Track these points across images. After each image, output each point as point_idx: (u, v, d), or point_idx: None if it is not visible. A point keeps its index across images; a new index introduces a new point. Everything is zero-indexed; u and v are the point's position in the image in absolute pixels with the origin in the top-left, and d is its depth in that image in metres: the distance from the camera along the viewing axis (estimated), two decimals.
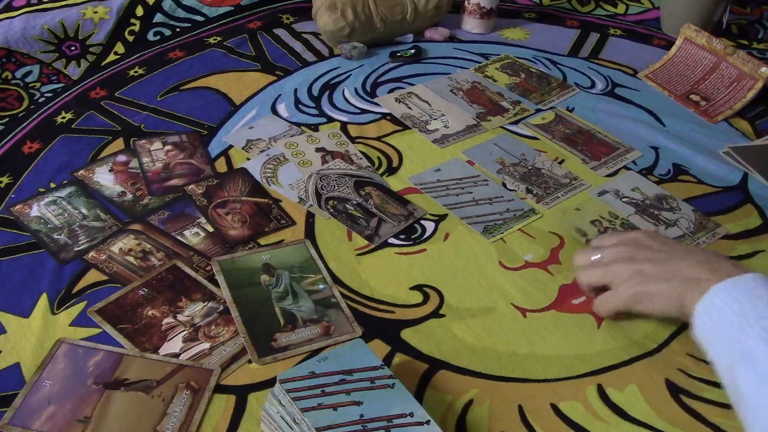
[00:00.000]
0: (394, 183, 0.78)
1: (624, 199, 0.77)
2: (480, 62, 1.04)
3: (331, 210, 0.73)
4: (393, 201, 0.74)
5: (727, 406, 0.53)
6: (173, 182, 0.76)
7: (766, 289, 0.49)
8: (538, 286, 0.66)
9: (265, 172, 0.78)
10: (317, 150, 0.82)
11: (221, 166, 0.79)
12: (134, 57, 0.99)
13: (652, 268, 0.57)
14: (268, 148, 0.82)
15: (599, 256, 0.62)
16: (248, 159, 0.80)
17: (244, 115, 0.88)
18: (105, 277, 0.64)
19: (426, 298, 0.64)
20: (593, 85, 1.00)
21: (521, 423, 0.54)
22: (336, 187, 0.75)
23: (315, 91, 0.94)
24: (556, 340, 0.61)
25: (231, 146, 0.82)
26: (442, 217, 0.73)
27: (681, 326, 0.63)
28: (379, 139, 0.85)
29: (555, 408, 0.55)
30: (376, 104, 0.92)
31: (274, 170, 0.78)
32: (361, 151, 0.82)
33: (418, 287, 0.65)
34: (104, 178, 0.76)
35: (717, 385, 0.56)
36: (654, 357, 0.60)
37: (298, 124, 0.87)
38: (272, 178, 0.77)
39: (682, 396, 0.56)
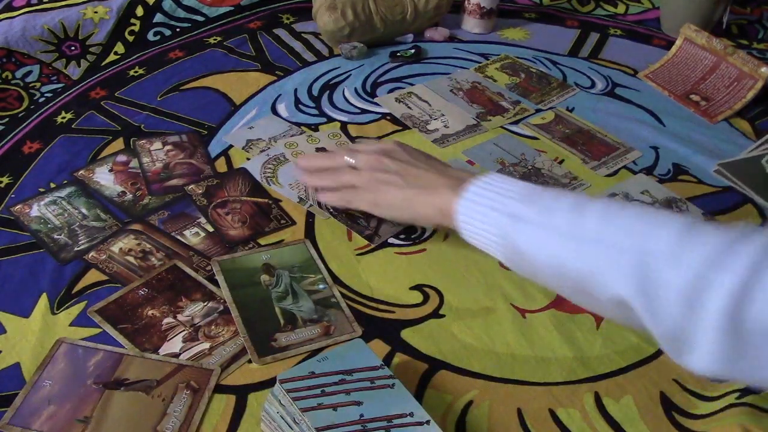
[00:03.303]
0: None
1: (633, 202, 0.77)
2: (480, 62, 1.04)
3: (331, 210, 0.73)
4: None
5: (715, 417, 0.54)
6: (173, 182, 0.76)
7: (503, 178, 0.57)
8: (537, 287, 0.66)
9: (265, 172, 0.78)
10: (317, 150, 0.82)
11: (221, 166, 0.79)
12: (134, 57, 0.99)
13: (396, 180, 0.63)
14: (268, 147, 0.82)
15: (353, 161, 0.67)
16: (248, 159, 0.80)
17: (244, 115, 0.88)
18: (105, 277, 0.64)
19: (426, 298, 0.64)
20: (593, 85, 1.00)
21: (520, 427, 0.54)
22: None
23: (315, 91, 0.94)
24: (556, 341, 0.61)
25: (231, 146, 0.82)
26: None
27: None
28: (379, 139, 0.85)
29: (553, 414, 0.55)
30: (376, 104, 0.92)
31: (274, 170, 0.78)
32: None
33: (418, 287, 0.66)
34: (104, 178, 0.76)
35: (708, 399, 0.57)
36: (651, 365, 0.60)
37: (299, 124, 0.87)
38: (272, 178, 0.77)
39: (675, 414, 0.56)
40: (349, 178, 0.67)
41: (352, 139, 0.85)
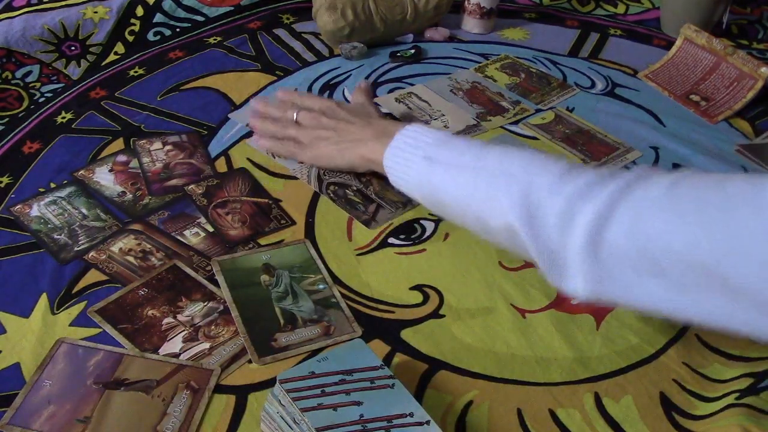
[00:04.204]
0: None
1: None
2: (480, 62, 1.04)
3: (331, 195, 0.75)
4: (393, 188, 0.74)
5: (715, 417, 0.54)
6: (173, 182, 0.76)
7: (422, 128, 0.64)
8: (537, 286, 0.66)
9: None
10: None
11: (221, 166, 0.79)
12: (134, 57, 0.99)
13: (331, 135, 0.74)
14: None
15: (296, 115, 0.77)
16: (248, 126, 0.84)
17: None
18: (105, 277, 0.64)
19: (426, 298, 0.64)
20: (593, 85, 1.00)
21: (520, 427, 0.54)
22: (338, 173, 0.77)
23: (315, 91, 0.94)
24: (556, 341, 0.61)
25: (231, 146, 0.82)
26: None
27: (679, 332, 0.63)
28: None
29: (553, 414, 0.55)
30: (376, 104, 0.92)
31: None
32: None
33: (418, 287, 0.66)
34: (104, 178, 0.76)
35: (708, 399, 0.57)
36: (650, 365, 0.60)
37: None
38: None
39: (675, 414, 0.56)
40: (293, 132, 0.77)
41: None
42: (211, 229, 0.70)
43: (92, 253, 0.66)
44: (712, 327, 0.46)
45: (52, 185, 0.74)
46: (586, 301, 0.50)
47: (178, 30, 1.05)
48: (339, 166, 0.75)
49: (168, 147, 0.81)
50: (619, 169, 0.50)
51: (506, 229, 0.53)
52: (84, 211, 0.71)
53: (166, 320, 0.60)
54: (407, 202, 0.74)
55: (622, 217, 0.46)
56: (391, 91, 0.95)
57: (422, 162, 0.61)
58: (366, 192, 0.75)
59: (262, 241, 0.69)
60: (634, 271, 0.46)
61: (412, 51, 1.03)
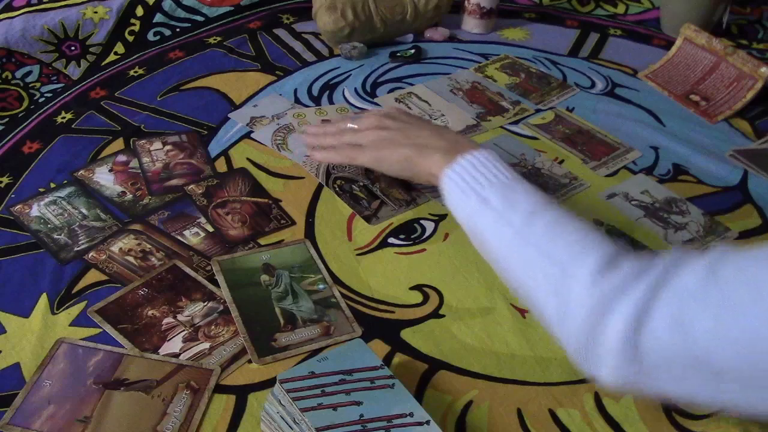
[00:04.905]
0: None
1: (633, 202, 0.77)
2: (480, 62, 1.04)
3: (337, 189, 0.75)
4: (399, 187, 0.76)
5: (715, 417, 0.54)
6: (173, 182, 0.76)
7: (489, 159, 0.60)
8: None
9: (276, 140, 0.82)
10: (323, 122, 0.84)
11: (221, 166, 0.79)
12: (134, 57, 0.99)
13: (398, 138, 0.68)
14: (277, 121, 0.86)
15: (356, 126, 0.72)
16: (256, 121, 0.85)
17: None
18: (105, 277, 0.64)
19: (426, 298, 0.64)
20: (593, 85, 1.00)
21: (520, 427, 0.54)
22: (347, 168, 0.78)
23: (315, 91, 0.94)
24: (556, 341, 0.61)
25: (231, 146, 0.82)
26: (442, 217, 0.73)
27: None
28: None
29: (553, 414, 0.55)
30: (376, 104, 0.92)
31: (284, 138, 0.83)
32: None
33: (418, 287, 0.66)
34: (104, 178, 0.76)
35: None
36: None
37: (304, 105, 0.90)
38: (282, 145, 0.81)
39: (675, 414, 0.56)
40: (352, 136, 0.72)
41: None
42: (211, 229, 0.70)
43: (92, 253, 0.66)
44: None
45: (52, 185, 0.74)
46: (617, 390, 0.49)
47: (178, 30, 1.05)
48: (402, 174, 0.69)
49: (168, 147, 0.81)
50: (652, 258, 0.47)
51: (538, 310, 0.52)
52: (84, 211, 0.71)
53: (166, 320, 0.60)
54: (411, 201, 0.74)
55: (661, 313, 0.43)
56: (391, 91, 0.95)
57: (475, 200, 0.57)
58: (372, 189, 0.76)
59: (262, 241, 0.69)
60: (681, 367, 0.43)
61: (412, 51, 1.03)
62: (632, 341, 0.44)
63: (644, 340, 0.44)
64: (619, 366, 0.45)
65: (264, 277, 0.64)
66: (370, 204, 0.74)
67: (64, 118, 0.86)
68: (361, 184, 0.76)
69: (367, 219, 0.72)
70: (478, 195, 0.58)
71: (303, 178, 0.78)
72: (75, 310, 0.60)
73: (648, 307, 0.44)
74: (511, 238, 0.54)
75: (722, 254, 0.44)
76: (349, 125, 0.73)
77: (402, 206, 0.74)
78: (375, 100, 0.93)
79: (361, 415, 0.47)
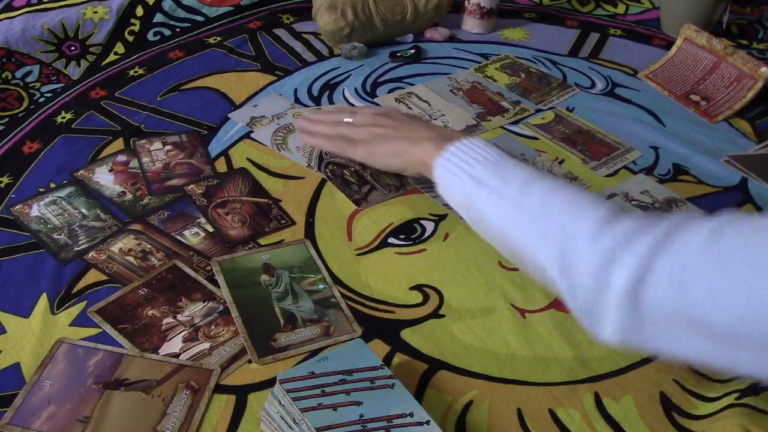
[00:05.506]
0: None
1: (633, 202, 0.77)
2: (480, 62, 1.04)
3: (329, 174, 0.77)
4: (389, 173, 0.77)
5: (715, 417, 0.54)
6: (173, 182, 0.76)
7: (480, 143, 0.62)
8: (537, 286, 0.66)
9: (275, 139, 0.83)
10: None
11: (221, 166, 0.79)
12: (134, 57, 0.99)
13: (390, 133, 0.70)
14: (277, 121, 0.86)
15: (351, 120, 0.75)
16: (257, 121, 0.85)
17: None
18: (105, 277, 0.64)
19: (426, 298, 0.64)
20: (593, 85, 1.00)
21: (520, 427, 0.54)
22: (339, 156, 0.79)
23: (315, 91, 0.94)
24: (555, 341, 0.61)
25: (231, 146, 0.82)
26: (442, 217, 0.73)
27: None
28: None
29: (553, 414, 0.55)
30: (376, 104, 0.92)
31: (284, 138, 0.83)
32: None
33: (418, 287, 0.66)
34: (104, 178, 0.76)
35: (708, 399, 0.57)
36: (651, 365, 0.60)
37: (304, 105, 0.90)
38: (282, 144, 0.82)
39: (675, 414, 0.56)
40: (345, 129, 0.75)
41: None
42: (211, 229, 0.70)
43: (92, 253, 0.66)
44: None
45: (52, 185, 0.74)
46: (616, 347, 0.49)
47: (178, 30, 1.05)
48: (390, 166, 0.72)
49: (168, 147, 0.81)
50: (658, 217, 0.48)
51: (542, 272, 0.53)
52: (84, 211, 0.71)
53: (166, 320, 0.60)
54: (400, 186, 0.76)
55: (662, 271, 0.44)
56: (391, 91, 0.95)
57: (469, 180, 0.59)
58: (362, 173, 0.77)
59: (262, 241, 0.69)
60: (679, 327, 0.43)
61: (412, 51, 1.03)
62: (633, 296, 0.44)
63: (645, 296, 0.44)
64: (621, 320, 0.46)
65: (264, 277, 0.64)
66: (361, 188, 0.75)
67: (64, 118, 0.86)
68: (352, 169, 0.78)
69: (357, 203, 0.74)
70: (470, 175, 0.59)
71: (303, 178, 0.78)
72: (75, 310, 0.61)
73: (650, 263, 0.44)
74: (509, 210, 0.55)
75: (729, 219, 0.44)
76: (346, 119, 0.76)
77: (392, 191, 0.75)
78: (375, 100, 0.93)
79: (361, 415, 0.47)
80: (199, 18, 1.08)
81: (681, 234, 0.44)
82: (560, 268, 0.50)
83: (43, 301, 0.61)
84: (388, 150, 0.70)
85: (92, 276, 0.64)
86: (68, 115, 0.86)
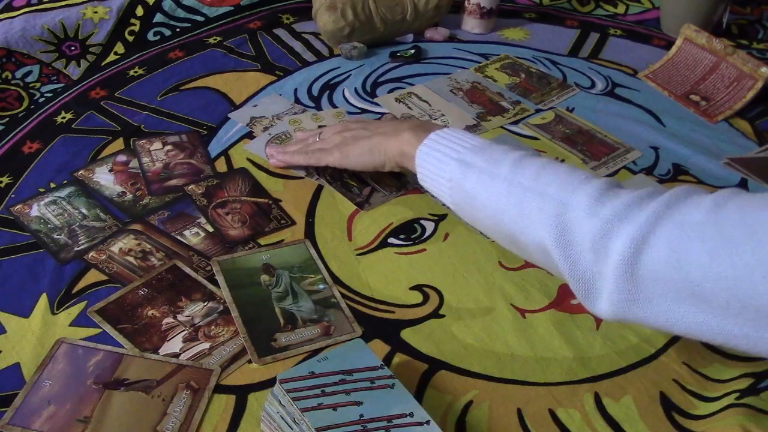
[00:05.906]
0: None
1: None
2: (480, 62, 1.04)
3: (328, 178, 0.76)
4: (389, 174, 0.77)
5: (715, 417, 0.54)
6: (173, 182, 0.76)
7: (460, 132, 0.62)
8: (537, 287, 0.66)
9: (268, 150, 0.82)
10: (320, 128, 0.83)
11: (221, 166, 0.79)
12: (134, 57, 0.99)
13: (362, 132, 0.71)
14: (272, 125, 0.85)
15: (318, 138, 0.75)
16: (253, 136, 0.84)
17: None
18: (105, 277, 0.64)
19: (426, 298, 0.64)
20: (593, 85, 1.00)
21: (520, 427, 0.54)
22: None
23: (315, 91, 0.94)
24: (555, 341, 0.61)
25: (231, 146, 0.82)
26: (442, 217, 0.73)
27: None
28: None
29: (553, 414, 0.55)
30: (376, 104, 0.92)
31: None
32: None
33: (418, 287, 0.66)
34: (104, 178, 0.76)
35: (708, 399, 0.57)
36: (650, 365, 0.60)
37: (304, 105, 0.90)
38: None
39: (675, 414, 0.56)
40: (317, 144, 0.75)
41: None
42: (211, 229, 0.70)
43: (92, 253, 0.66)
44: (760, 354, 0.44)
45: (52, 185, 0.74)
46: (611, 321, 0.49)
47: (178, 30, 1.05)
48: (366, 164, 0.71)
49: (168, 147, 0.81)
50: (658, 190, 0.48)
51: (539, 248, 0.52)
52: (84, 211, 0.71)
53: (166, 320, 0.60)
54: (401, 187, 0.76)
55: (660, 242, 0.44)
56: (391, 91, 0.95)
57: (456, 165, 0.58)
58: (362, 175, 0.77)
59: (262, 241, 0.69)
60: (673, 297, 0.44)
61: (412, 51, 1.03)
62: (631, 267, 0.45)
63: (642, 268, 0.44)
64: (617, 291, 0.46)
65: (264, 277, 0.64)
66: (362, 191, 0.75)
67: (64, 118, 0.86)
68: (351, 172, 0.77)
69: (360, 205, 0.73)
70: (457, 160, 0.58)
71: (303, 178, 0.78)
72: (75, 310, 0.61)
73: (648, 234, 0.44)
74: (500, 191, 0.54)
75: (730, 194, 0.44)
76: (313, 140, 0.76)
77: (393, 192, 0.75)
78: (375, 100, 0.93)
79: (361, 415, 0.47)
80: (199, 18, 1.08)
81: (682, 205, 0.45)
82: (557, 239, 0.49)
83: (43, 301, 0.61)
84: (363, 149, 0.70)
85: (92, 276, 0.64)
86: (68, 115, 0.86)
